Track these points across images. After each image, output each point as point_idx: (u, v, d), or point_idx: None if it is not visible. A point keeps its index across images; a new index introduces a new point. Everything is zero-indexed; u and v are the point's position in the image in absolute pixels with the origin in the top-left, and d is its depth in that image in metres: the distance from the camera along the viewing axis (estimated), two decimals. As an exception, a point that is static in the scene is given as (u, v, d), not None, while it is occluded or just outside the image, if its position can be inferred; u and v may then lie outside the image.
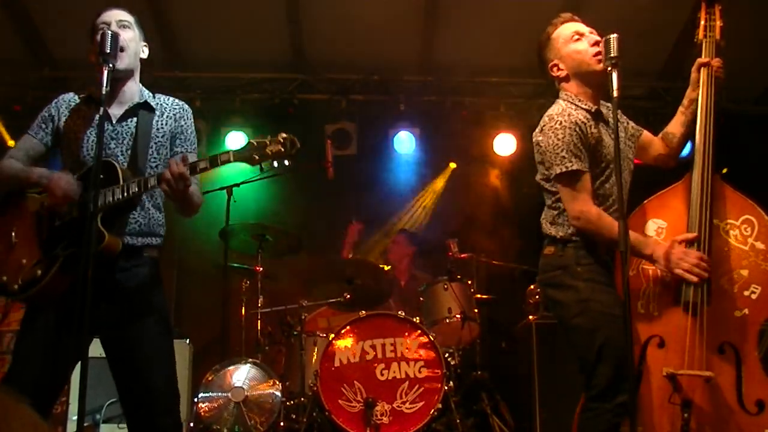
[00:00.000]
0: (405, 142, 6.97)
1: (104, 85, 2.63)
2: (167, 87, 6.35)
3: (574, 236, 2.86)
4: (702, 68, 3.00)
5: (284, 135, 2.59)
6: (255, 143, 2.60)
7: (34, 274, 2.66)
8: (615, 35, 2.76)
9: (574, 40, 2.98)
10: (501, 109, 6.92)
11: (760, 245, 2.74)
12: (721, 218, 2.81)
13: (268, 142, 2.58)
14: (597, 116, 2.93)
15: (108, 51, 2.65)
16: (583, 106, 2.93)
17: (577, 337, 2.82)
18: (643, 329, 2.79)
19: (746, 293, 2.72)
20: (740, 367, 2.67)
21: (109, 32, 2.69)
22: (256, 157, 2.59)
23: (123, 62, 2.81)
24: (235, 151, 2.61)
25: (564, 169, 2.78)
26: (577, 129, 2.80)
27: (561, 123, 2.83)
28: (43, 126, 2.91)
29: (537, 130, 2.97)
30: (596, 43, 2.92)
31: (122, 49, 2.80)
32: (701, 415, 2.69)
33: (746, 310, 2.70)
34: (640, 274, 2.84)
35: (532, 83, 6.88)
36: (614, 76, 2.71)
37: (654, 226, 2.86)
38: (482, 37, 6.29)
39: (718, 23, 2.99)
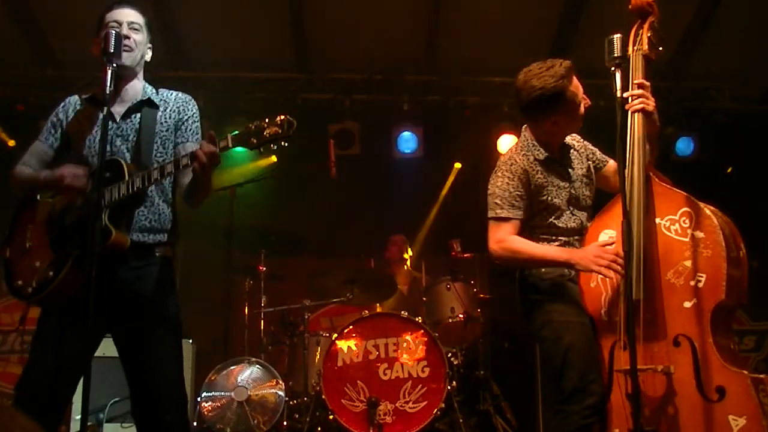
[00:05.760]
0: (408, 142, 6.96)
1: (108, 84, 2.64)
2: (171, 86, 6.32)
3: None
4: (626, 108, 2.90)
5: (282, 116, 2.54)
6: (252, 127, 2.55)
7: (47, 276, 2.68)
8: (618, 35, 2.76)
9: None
10: (504, 109, 6.89)
11: (699, 234, 2.78)
12: (662, 216, 2.87)
13: (265, 125, 2.54)
14: (546, 163, 3.05)
15: (112, 51, 2.66)
16: (535, 152, 3.06)
17: (546, 347, 3.02)
18: (608, 335, 2.88)
19: (692, 283, 2.76)
20: (696, 357, 2.70)
21: (113, 32, 2.69)
22: (255, 141, 2.55)
23: (126, 59, 2.81)
24: (232, 135, 2.56)
25: (494, 215, 3.07)
26: (517, 179, 3.00)
27: (503, 172, 3.05)
28: (53, 131, 2.93)
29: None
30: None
31: (128, 48, 2.80)
32: (666, 409, 2.74)
33: (695, 300, 2.75)
34: (600, 284, 2.94)
35: (535, 83, 6.86)
36: (617, 76, 2.74)
37: (605, 236, 2.95)
38: (485, 37, 6.28)
39: (646, 35, 2.97)
